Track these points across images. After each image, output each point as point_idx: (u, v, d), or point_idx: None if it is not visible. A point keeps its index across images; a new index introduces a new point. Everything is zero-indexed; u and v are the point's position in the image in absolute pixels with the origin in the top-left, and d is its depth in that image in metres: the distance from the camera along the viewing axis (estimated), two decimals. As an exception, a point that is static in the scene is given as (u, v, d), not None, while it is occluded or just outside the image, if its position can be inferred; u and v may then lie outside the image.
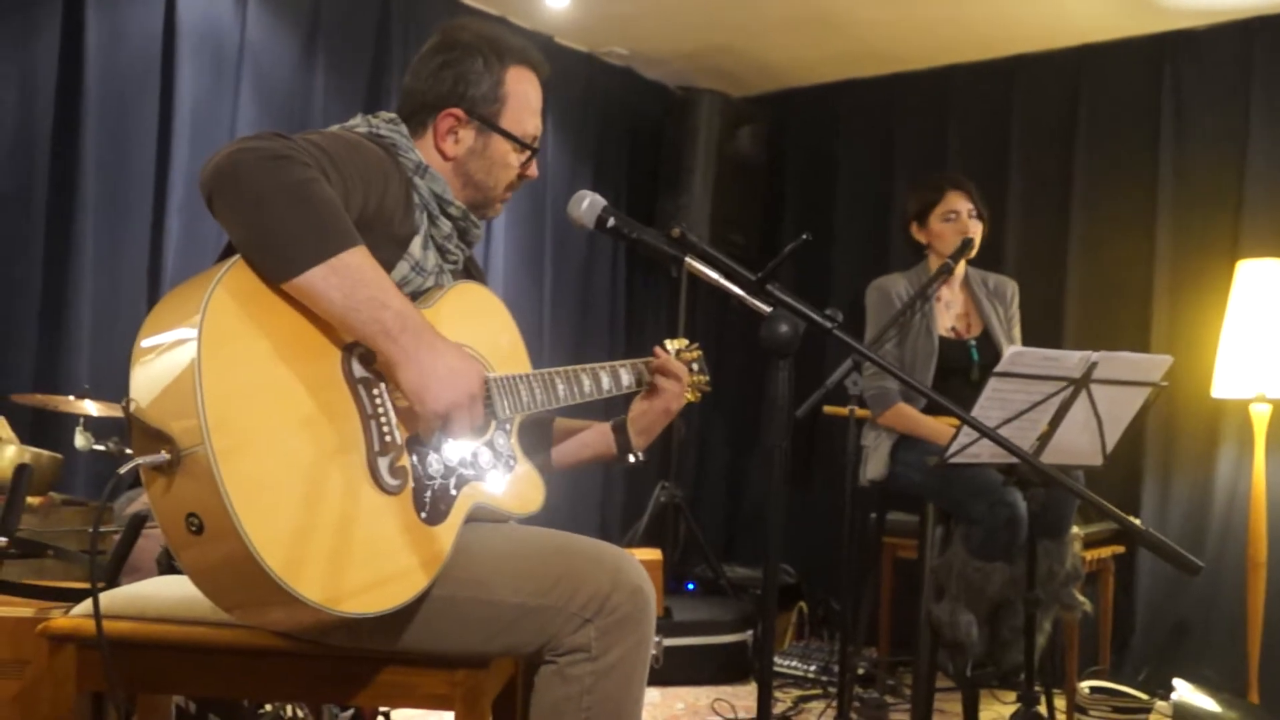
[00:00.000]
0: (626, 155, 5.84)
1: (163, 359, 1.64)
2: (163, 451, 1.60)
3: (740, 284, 1.93)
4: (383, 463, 1.77)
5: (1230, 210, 4.69)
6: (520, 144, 2.16)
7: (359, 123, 2.07)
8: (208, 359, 1.59)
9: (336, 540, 1.67)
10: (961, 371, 3.83)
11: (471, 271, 2.27)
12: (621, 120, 5.79)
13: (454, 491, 1.89)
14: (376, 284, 1.73)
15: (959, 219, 3.89)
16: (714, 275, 1.98)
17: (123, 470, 1.63)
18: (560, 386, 2.15)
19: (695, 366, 2.46)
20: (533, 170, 2.21)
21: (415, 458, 1.84)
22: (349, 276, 1.70)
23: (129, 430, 1.66)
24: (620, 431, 2.32)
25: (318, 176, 1.72)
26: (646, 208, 5.70)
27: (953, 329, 3.95)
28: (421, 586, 1.77)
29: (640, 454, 2.34)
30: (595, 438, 2.35)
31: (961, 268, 3.98)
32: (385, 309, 1.73)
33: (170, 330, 1.65)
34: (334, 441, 1.72)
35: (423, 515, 1.82)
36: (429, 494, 1.84)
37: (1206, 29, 4.81)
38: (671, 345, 2.44)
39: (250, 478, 1.59)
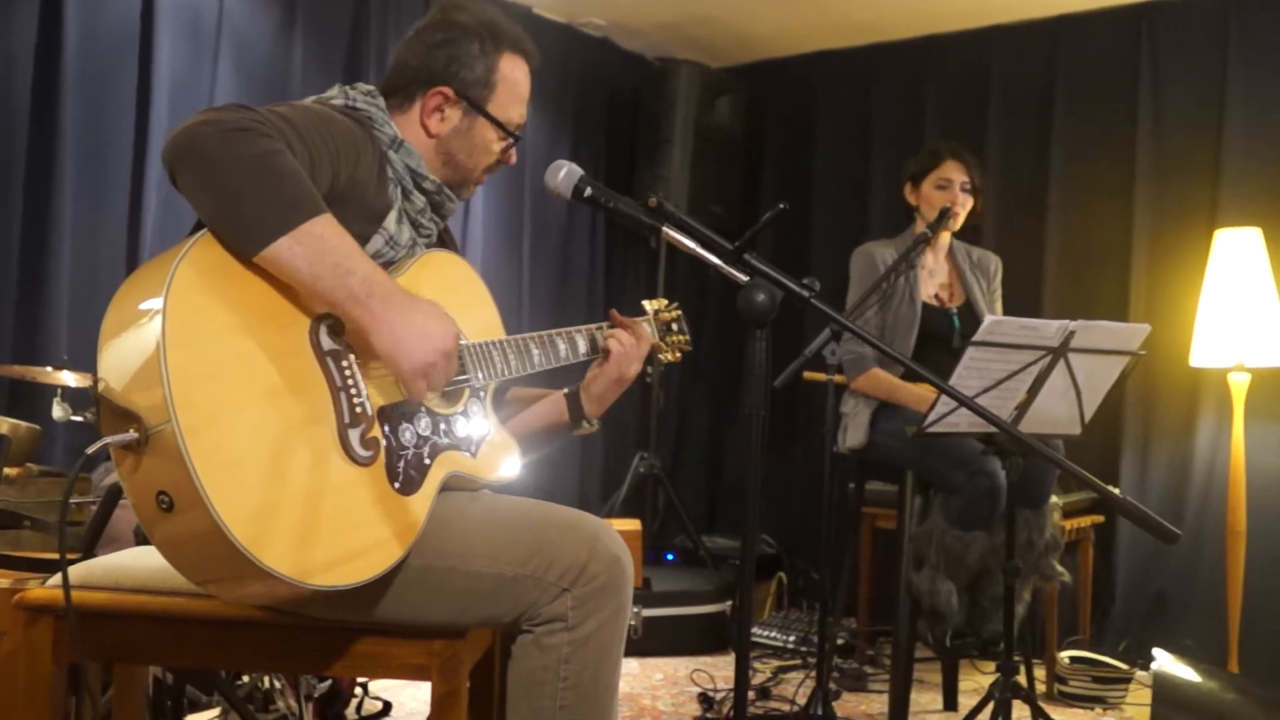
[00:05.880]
0: (604, 126, 5.82)
1: (128, 337, 1.63)
2: (131, 430, 1.59)
3: (717, 253, 1.92)
4: (353, 434, 1.76)
5: (1208, 179, 4.70)
6: (504, 130, 2.17)
7: (335, 94, 2.07)
8: (172, 336, 1.59)
9: (307, 513, 1.67)
10: (942, 339, 3.84)
11: (446, 244, 2.26)
12: (599, 91, 5.76)
13: (428, 460, 1.89)
14: (342, 251, 1.72)
15: (950, 188, 3.88)
16: (691, 244, 1.97)
17: (90, 450, 1.63)
18: (535, 351, 2.15)
19: (675, 326, 2.44)
20: (512, 157, 2.22)
21: (387, 428, 1.84)
22: (313, 245, 1.69)
23: (98, 410, 1.66)
24: (573, 398, 2.27)
25: (281, 148, 1.71)
26: (625, 179, 5.68)
27: (936, 296, 3.95)
28: (396, 557, 1.76)
29: (593, 422, 2.28)
30: (547, 407, 2.30)
31: (946, 238, 3.99)
32: (351, 275, 1.72)
33: (135, 308, 1.64)
34: (303, 414, 1.71)
35: (396, 485, 1.81)
36: (402, 463, 1.83)
37: (1183, -1, 4.81)
38: (650, 305, 2.43)
39: (218, 454, 1.58)
